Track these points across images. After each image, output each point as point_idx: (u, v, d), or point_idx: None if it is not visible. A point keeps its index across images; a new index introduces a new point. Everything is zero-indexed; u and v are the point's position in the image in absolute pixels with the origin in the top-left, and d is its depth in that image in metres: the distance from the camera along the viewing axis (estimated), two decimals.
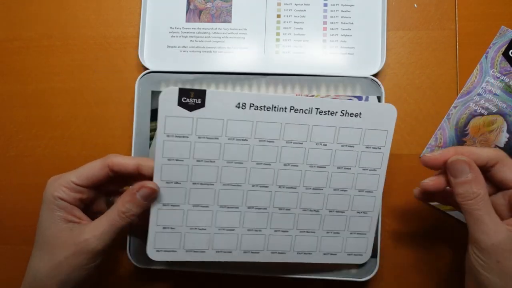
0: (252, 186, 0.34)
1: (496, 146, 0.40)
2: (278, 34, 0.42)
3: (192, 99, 0.31)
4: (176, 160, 0.32)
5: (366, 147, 0.34)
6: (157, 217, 0.33)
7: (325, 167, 0.34)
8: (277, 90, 0.40)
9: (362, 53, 0.41)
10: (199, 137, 0.32)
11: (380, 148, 0.34)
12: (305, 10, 0.42)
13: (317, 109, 0.33)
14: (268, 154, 0.33)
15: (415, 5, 0.43)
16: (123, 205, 0.31)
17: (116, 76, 0.43)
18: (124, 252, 0.39)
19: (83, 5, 0.44)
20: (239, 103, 0.32)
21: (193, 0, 0.43)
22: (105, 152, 0.42)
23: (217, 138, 0.32)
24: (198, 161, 0.33)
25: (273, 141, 0.33)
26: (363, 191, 0.35)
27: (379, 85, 0.39)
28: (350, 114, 0.33)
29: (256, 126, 0.32)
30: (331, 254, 0.36)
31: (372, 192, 0.35)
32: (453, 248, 0.40)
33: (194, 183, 0.33)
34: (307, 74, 0.40)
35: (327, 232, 0.36)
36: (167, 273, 0.40)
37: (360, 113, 0.33)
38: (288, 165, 0.34)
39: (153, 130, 0.40)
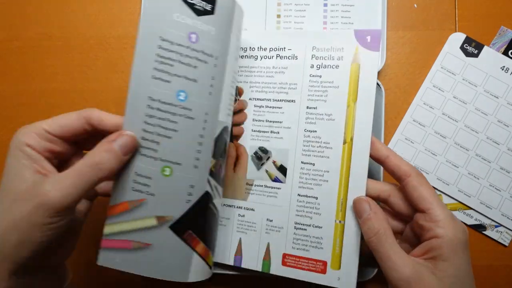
0: None
1: None
2: None
3: None
4: None
5: None
6: None
7: None
8: None
9: None
10: None
11: None
12: (305, 10, 0.42)
13: None
14: None
15: (415, 5, 0.43)
16: (98, 155, 0.26)
17: (116, 76, 0.43)
18: None
19: (83, 5, 0.44)
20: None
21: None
22: None
23: None
24: None
25: None
26: None
27: (379, 85, 0.39)
28: None
29: None
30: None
31: None
32: None
33: None
34: None
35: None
36: None
37: None
38: None
39: None
